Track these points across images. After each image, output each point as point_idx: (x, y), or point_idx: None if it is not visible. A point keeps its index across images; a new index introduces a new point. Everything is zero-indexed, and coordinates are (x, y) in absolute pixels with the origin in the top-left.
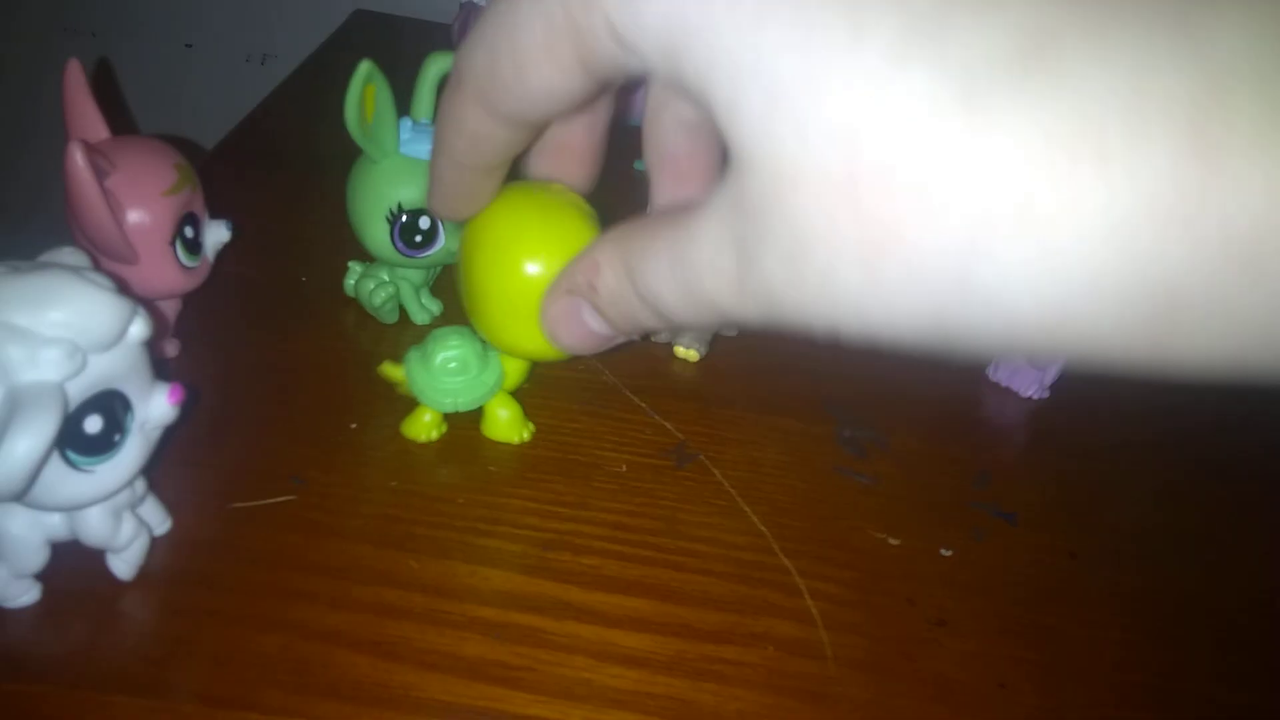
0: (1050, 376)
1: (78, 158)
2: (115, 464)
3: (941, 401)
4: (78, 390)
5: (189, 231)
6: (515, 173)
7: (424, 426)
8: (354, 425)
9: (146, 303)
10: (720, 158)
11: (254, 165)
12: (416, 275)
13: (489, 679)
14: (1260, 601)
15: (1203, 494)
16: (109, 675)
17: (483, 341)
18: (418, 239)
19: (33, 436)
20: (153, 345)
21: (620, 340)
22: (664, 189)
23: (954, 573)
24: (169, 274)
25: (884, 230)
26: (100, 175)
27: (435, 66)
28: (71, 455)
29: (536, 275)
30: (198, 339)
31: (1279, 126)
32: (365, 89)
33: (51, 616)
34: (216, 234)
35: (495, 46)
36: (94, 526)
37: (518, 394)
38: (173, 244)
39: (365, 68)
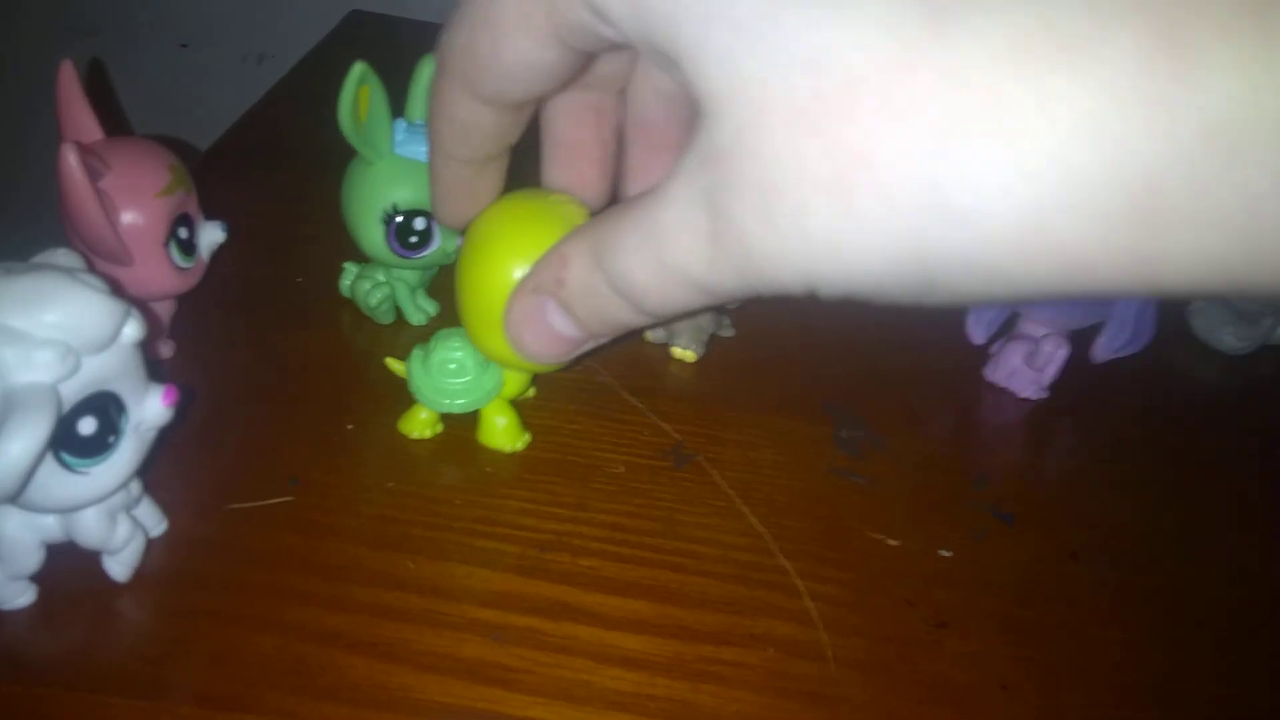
0: (1048, 376)
1: (71, 159)
2: (110, 466)
3: (940, 402)
4: (72, 392)
5: (183, 232)
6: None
7: (420, 423)
8: (351, 426)
9: (141, 304)
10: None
11: (249, 165)
12: (412, 276)
13: (487, 680)
14: (1260, 601)
15: (1202, 494)
16: (105, 676)
17: None
18: (413, 240)
19: (26, 438)
20: (147, 346)
21: (589, 345)
22: (638, 160)
23: (953, 573)
24: (163, 275)
25: (853, 157)
26: (94, 176)
27: (430, 67)
28: (66, 457)
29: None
30: (193, 340)
31: (1250, 12)
32: (359, 90)
33: (47, 618)
34: (211, 235)
35: (472, 23)
36: (89, 528)
37: (517, 399)
38: (167, 245)
39: (359, 69)
